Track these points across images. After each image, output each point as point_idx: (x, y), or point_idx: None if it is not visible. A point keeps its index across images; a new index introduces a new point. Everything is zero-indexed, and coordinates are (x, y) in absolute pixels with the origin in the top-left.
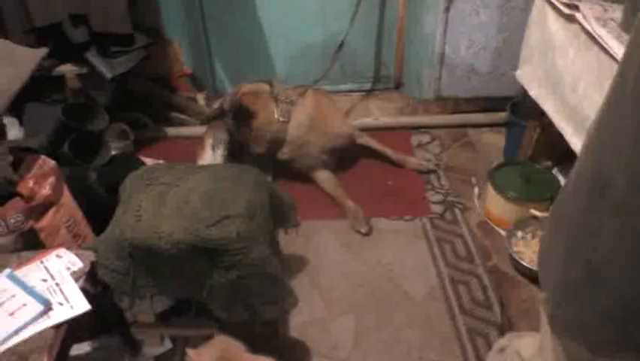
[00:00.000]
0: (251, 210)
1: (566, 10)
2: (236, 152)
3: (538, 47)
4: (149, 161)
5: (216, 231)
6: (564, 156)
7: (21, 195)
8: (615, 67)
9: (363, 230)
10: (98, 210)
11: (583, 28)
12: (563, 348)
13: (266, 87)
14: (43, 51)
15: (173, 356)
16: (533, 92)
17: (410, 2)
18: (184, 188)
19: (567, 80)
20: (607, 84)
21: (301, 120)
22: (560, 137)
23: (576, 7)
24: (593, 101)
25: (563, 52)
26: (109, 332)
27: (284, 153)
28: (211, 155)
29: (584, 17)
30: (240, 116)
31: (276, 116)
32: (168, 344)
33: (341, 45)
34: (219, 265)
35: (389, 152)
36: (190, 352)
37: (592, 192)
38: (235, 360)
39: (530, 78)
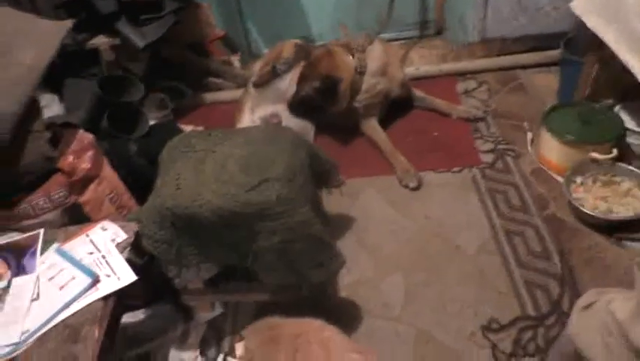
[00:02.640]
0: (290, 172)
1: None
2: (312, 115)
3: None
4: (188, 128)
5: (255, 195)
6: (627, 92)
7: (62, 171)
8: None
9: (412, 185)
10: (141, 182)
11: None
12: None
13: (331, 43)
14: (68, 24)
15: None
16: (591, 23)
17: None
18: (220, 154)
19: (631, 5)
20: None
21: (375, 68)
22: (622, 71)
23: None
24: None
25: None
26: (161, 300)
27: (357, 102)
28: (249, 117)
29: None
30: (328, 92)
31: (353, 67)
32: (219, 309)
33: None
34: (261, 230)
35: (435, 101)
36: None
37: None
38: (283, 331)
39: (587, 7)
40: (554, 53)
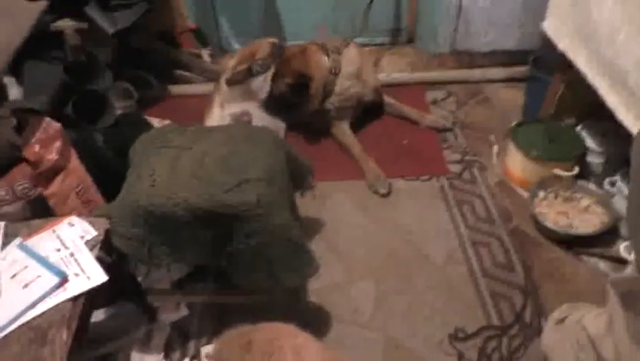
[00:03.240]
0: (270, 173)
1: None
2: (286, 113)
3: None
4: (154, 121)
5: (235, 196)
6: (589, 112)
7: (27, 161)
8: None
9: (382, 191)
10: (106, 174)
11: None
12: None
13: (307, 43)
14: (42, 4)
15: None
16: (562, 45)
17: None
18: (197, 151)
19: (603, 32)
20: None
21: (350, 71)
22: (586, 93)
23: None
24: (633, 54)
25: (598, 1)
26: (124, 299)
27: (330, 103)
28: (219, 113)
29: None
30: (299, 89)
31: (327, 68)
32: (185, 311)
33: (371, 1)
34: (238, 232)
35: (405, 109)
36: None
37: None
38: (255, 336)
39: (559, 30)
40: (521, 70)
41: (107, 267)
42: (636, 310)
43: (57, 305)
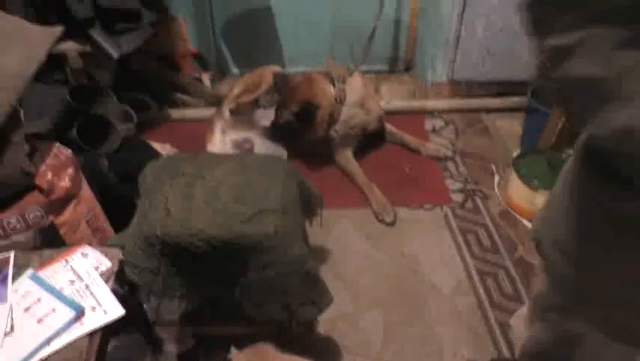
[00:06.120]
0: (285, 203)
1: None
2: (291, 141)
3: None
4: (156, 145)
5: (251, 227)
6: None
7: (39, 189)
8: None
9: (388, 219)
10: (111, 200)
11: None
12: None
13: (312, 71)
14: (58, 30)
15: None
16: None
17: None
18: (211, 180)
19: None
20: None
21: (355, 99)
22: None
23: None
24: None
25: None
26: (130, 330)
27: (334, 131)
28: (221, 139)
29: None
30: (306, 117)
31: (333, 96)
32: (191, 342)
33: (373, 31)
34: (254, 263)
35: (407, 137)
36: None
37: None
38: None
39: None
40: (518, 100)
41: (120, 299)
42: None
43: (74, 341)
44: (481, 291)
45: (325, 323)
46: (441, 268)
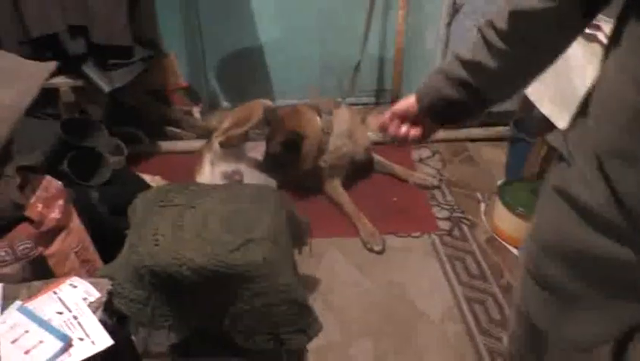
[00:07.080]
0: (274, 232)
1: (587, 30)
2: (280, 172)
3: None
4: (147, 177)
5: (241, 256)
6: None
7: (30, 220)
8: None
9: (377, 248)
10: (101, 232)
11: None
12: None
13: (300, 104)
14: (52, 65)
15: None
16: (546, 110)
17: (411, 19)
18: (201, 210)
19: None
20: None
21: (342, 130)
22: None
23: (597, 27)
24: None
25: (580, 71)
26: None
27: (323, 162)
28: (210, 171)
29: (606, 37)
30: (292, 147)
31: (320, 127)
32: None
33: (358, 64)
34: (244, 293)
35: (393, 167)
36: None
37: None
38: None
39: (542, 95)
40: (502, 129)
41: (108, 330)
42: None
43: None
44: (470, 318)
45: (315, 353)
46: (429, 295)
